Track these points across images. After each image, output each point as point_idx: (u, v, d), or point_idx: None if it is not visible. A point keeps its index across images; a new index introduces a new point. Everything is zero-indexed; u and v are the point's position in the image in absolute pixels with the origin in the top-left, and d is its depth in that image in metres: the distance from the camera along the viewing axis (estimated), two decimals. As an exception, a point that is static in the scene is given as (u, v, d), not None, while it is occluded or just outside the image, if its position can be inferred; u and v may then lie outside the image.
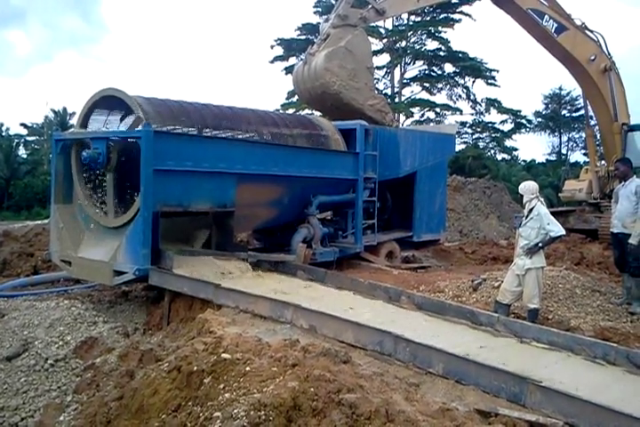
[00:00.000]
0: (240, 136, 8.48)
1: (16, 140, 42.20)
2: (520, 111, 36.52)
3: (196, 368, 4.00)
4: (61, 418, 5.20)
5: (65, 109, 41.72)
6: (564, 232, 6.50)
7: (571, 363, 4.94)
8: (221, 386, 3.78)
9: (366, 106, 10.61)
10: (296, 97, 32.06)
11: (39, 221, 15.09)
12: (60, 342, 6.27)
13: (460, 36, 76.14)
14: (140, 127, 7.16)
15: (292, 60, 34.19)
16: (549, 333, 5.43)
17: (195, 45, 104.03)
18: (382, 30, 33.46)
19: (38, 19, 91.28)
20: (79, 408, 5.17)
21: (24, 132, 45.41)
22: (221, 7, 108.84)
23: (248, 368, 3.88)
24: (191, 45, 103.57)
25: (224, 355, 4.09)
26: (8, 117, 78.26)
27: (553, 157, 50.62)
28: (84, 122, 8.10)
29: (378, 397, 3.63)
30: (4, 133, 42.18)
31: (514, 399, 4.06)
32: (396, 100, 34.20)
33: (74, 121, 32.72)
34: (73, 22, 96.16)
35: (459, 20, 33.02)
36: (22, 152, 43.30)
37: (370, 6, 10.91)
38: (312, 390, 3.50)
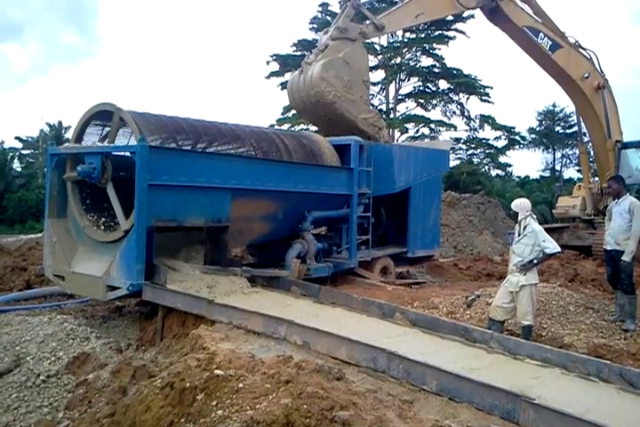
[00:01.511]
0: (234, 151, 8.52)
1: (10, 154, 42.00)
2: (514, 128, 36.76)
3: (188, 385, 3.98)
4: (52, 435, 5.16)
5: (60, 123, 41.79)
6: (559, 249, 6.53)
7: (564, 380, 4.94)
8: (214, 403, 3.76)
9: (360, 119, 10.63)
10: (292, 112, 32.29)
11: (33, 235, 15.07)
12: (53, 358, 6.24)
13: (455, 53, 76.97)
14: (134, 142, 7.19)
15: (288, 76, 34.32)
16: (543, 349, 5.44)
17: (190, 61, 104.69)
18: (377, 47, 33.75)
19: (35, 33, 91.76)
20: (71, 425, 5.12)
21: (19, 145, 45.45)
22: (217, 23, 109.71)
23: (241, 385, 3.87)
24: (187, 61, 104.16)
25: (217, 371, 4.07)
26: (3, 131, 78.37)
27: (547, 174, 50.92)
28: (79, 136, 8.13)
29: (371, 414, 3.62)
30: (-2, 147, 42.14)
31: (507, 417, 4.05)
32: (391, 115, 34.39)
33: (69, 135, 32.83)
34: (69, 37, 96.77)
35: (453, 38, 33.37)
36: (17, 165, 43.16)
37: (369, 22, 11.02)
38: (305, 407, 3.49)
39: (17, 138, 45.23)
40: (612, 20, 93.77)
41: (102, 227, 7.62)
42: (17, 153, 44.41)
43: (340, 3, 30.58)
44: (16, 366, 6.03)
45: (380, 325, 6.43)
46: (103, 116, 7.82)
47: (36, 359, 6.16)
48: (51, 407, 5.59)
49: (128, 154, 7.51)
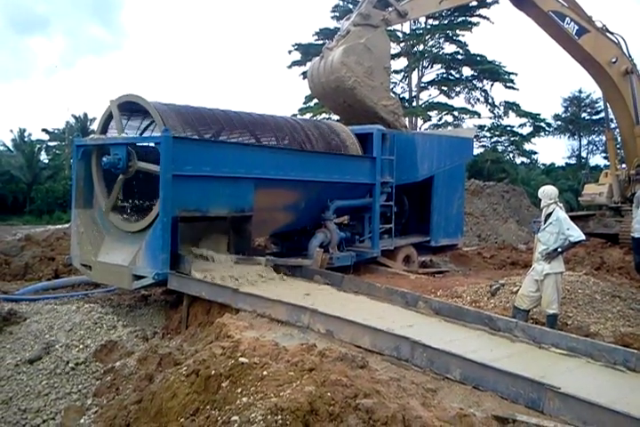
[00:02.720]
0: (258, 141, 8.54)
1: (38, 146, 42.76)
2: (539, 114, 36.32)
3: (213, 372, 4.03)
4: (82, 421, 5.27)
5: (86, 115, 42.30)
6: (583, 237, 6.45)
7: (590, 369, 4.90)
8: (239, 390, 3.80)
9: (379, 105, 10.54)
10: (314, 102, 32.25)
11: (60, 226, 15.30)
12: (81, 346, 6.36)
13: (478, 40, 75.88)
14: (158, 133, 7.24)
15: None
16: (568, 338, 5.39)
17: (213, 51, 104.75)
18: (400, 34, 33.45)
19: (61, 26, 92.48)
20: (99, 411, 5.22)
21: (46, 137, 46.06)
22: (240, 13, 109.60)
23: (265, 372, 3.90)
24: (210, 51, 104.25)
25: (242, 359, 4.12)
26: (30, 123, 79.42)
27: (573, 161, 50.24)
28: (105, 128, 8.21)
29: (395, 402, 3.63)
30: (26, 139, 42.76)
31: (532, 406, 4.03)
32: (414, 103, 34.13)
33: (94, 126, 33.17)
34: (95, 29, 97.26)
35: (477, 24, 32.94)
36: (44, 157, 43.94)
37: (392, 8, 10.90)
38: (329, 394, 3.51)
39: (44, 130, 45.88)
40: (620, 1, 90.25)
41: (128, 217, 7.72)
42: (44, 145, 45.11)
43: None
44: (46, 354, 6.16)
45: (404, 313, 6.44)
46: (128, 107, 7.88)
47: (65, 347, 6.28)
48: (80, 394, 5.71)
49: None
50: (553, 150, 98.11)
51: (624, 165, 15.54)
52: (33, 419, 5.49)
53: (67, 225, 13.75)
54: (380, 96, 10.57)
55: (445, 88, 35.37)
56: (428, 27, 33.87)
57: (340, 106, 10.93)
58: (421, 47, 34.42)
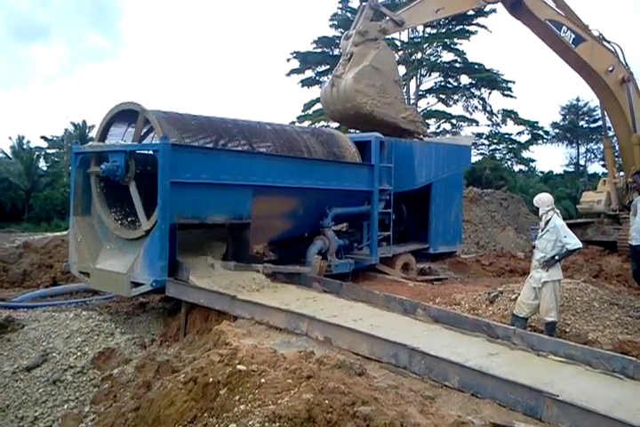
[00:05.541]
0: (256, 149, 8.56)
1: (36, 153, 42.71)
2: (537, 122, 36.42)
3: (211, 380, 4.02)
4: (79, 428, 5.26)
5: (84, 122, 42.29)
6: (580, 245, 6.46)
7: (588, 376, 4.89)
8: (237, 398, 3.79)
9: (399, 119, 10.73)
10: (312, 109, 32.37)
11: (58, 233, 15.30)
12: (79, 353, 6.35)
13: (476, 48, 76.09)
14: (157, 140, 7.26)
15: (308, 73, 34.46)
16: (567, 346, 5.39)
17: (212, 58, 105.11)
18: (398, 42, 33.60)
19: (61, 34, 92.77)
20: (97, 419, 5.21)
21: (44, 144, 46.02)
22: (238, 21, 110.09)
23: (263, 380, 3.89)
24: (209, 59, 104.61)
25: (239, 366, 4.10)
26: (29, 130, 79.41)
27: (571, 169, 50.32)
28: (103, 135, 8.23)
29: (393, 409, 3.62)
30: (24, 146, 42.75)
31: (530, 413, 4.03)
32: (412, 111, 34.14)
33: (93, 134, 33.20)
34: (94, 37, 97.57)
35: (474, 32, 33.09)
36: (42, 164, 43.85)
37: (388, 18, 11.00)
38: (327, 402, 3.50)
39: (42, 137, 45.87)
40: (617, 10, 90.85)
41: (126, 224, 7.72)
42: (42, 152, 45.06)
43: (360, 1, 30.47)
44: (43, 361, 6.15)
45: (402, 321, 6.43)
46: (127, 115, 7.91)
47: (63, 354, 6.27)
48: (77, 402, 5.70)
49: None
50: (551, 158, 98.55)
51: (622, 173, 15.60)
52: (30, 427, 5.47)
53: (65, 232, 13.77)
54: (397, 109, 10.74)
55: (443, 96, 35.51)
56: (426, 35, 34.02)
57: (360, 124, 11.09)
58: (419, 55, 34.56)
